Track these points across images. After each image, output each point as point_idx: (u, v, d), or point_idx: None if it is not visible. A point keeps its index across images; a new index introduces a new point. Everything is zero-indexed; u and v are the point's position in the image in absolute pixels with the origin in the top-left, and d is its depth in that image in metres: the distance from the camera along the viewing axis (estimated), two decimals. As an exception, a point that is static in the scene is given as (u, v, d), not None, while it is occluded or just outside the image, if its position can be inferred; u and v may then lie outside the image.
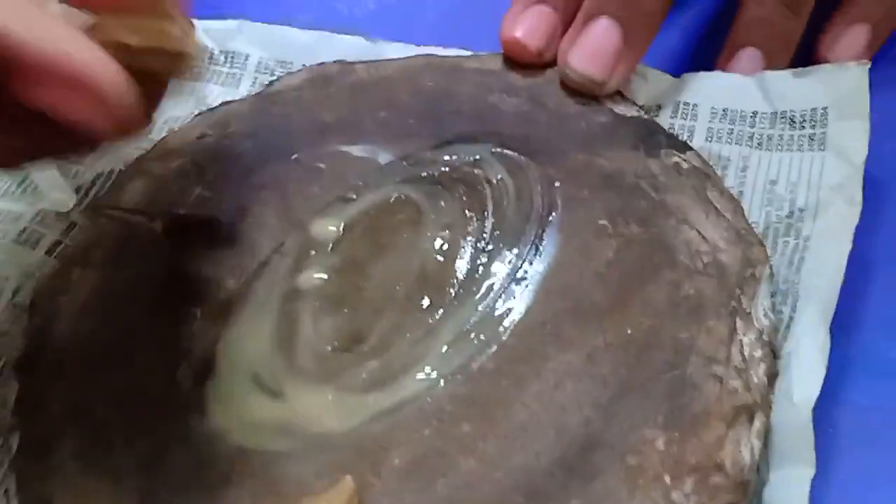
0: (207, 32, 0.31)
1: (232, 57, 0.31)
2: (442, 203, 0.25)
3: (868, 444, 0.22)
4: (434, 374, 0.22)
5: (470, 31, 0.29)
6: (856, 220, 0.23)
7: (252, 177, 0.26)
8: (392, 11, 0.32)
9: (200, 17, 0.31)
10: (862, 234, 0.24)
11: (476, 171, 0.25)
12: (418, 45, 0.30)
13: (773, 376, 0.22)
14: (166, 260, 0.25)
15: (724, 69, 0.27)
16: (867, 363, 0.23)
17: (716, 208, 0.23)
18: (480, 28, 0.28)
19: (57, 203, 0.28)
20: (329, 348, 0.23)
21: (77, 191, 0.28)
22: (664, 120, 0.27)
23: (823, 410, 0.22)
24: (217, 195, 0.26)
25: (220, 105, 0.29)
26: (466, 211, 0.24)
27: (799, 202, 0.24)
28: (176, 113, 0.30)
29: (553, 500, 0.20)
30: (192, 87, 0.30)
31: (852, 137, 0.24)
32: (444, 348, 0.22)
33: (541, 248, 0.23)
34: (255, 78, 0.30)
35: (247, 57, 0.31)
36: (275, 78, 0.30)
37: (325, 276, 0.24)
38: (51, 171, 0.29)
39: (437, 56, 0.28)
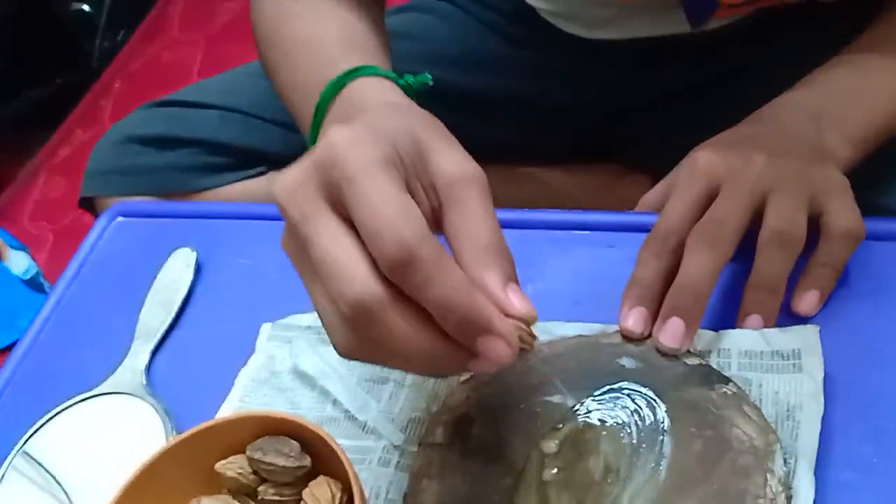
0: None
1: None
2: (608, 423, 0.48)
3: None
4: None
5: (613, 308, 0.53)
6: (821, 412, 0.46)
7: (501, 419, 0.50)
8: (561, 298, 0.57)
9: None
10: (825, 420, 0.47)
11: (623, 405, 0.49)
12: (581, 321, 0.54)
13: (789, 499, 0.44)
14: (466, 475, 0.48)
15: (741, 326, 0.51)
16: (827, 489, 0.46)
17: (748, 416, 0.47)
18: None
19: (392, 439, 0.52)
20: (565, 512, 0.46)
21: (402, 430, 0.52)
22: (713, 360, 0.50)
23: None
24: (485, 432, 0.50)
25: (469, 377, 0.53)
26: (624, 429, 0.48)
27: (791, 403, 0.47)
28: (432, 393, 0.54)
29: None
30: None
31: (814, 367, 0.48)
32: (621, 508, 0.45)
33: (664, 447, 0.47)
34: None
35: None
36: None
37: (556, 472, 0.47)
38: (382, 420, 0.53)
39: (588, 336, 0.52)
